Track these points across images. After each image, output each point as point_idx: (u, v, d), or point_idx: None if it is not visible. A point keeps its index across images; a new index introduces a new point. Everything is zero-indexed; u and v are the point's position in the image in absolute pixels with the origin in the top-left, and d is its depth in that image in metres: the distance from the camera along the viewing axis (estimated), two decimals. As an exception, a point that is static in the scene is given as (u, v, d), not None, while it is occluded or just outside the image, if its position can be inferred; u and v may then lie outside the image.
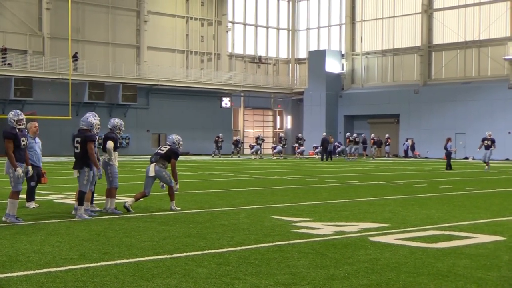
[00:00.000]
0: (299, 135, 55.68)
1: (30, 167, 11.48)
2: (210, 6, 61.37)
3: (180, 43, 59.85)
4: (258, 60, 65.19)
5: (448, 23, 55.02)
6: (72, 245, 8.85)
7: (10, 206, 11.20)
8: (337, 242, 9.24)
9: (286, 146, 54.24)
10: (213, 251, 8.48)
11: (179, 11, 59.60)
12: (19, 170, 11.13)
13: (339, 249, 8.64)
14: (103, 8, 55.15)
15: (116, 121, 13.43)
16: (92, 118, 12.31)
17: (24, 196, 13.47)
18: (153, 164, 13.19)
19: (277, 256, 8.11)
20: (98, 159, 12.44)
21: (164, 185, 13.35)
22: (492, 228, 10.76)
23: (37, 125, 13.76)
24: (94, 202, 13.04)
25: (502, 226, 11.12)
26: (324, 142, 46.65)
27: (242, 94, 63.48)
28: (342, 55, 61.94)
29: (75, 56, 51.19)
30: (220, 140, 51.83)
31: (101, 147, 13.13)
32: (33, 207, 13.35)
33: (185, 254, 8.25)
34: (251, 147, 52.39)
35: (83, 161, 11.90)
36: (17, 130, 11.23)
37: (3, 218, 11.23)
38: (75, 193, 12.72)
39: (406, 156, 53.37)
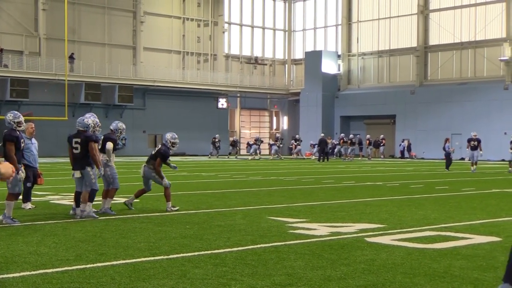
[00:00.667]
0: (296, 136, 55.72)
1: (23, 168, 11.55)
2: (206, 6, 61.37)
3: (176, 43, 59.83)
4: (254, 61, 65.20)
5: (444, 24, 55.09)
6: (69, 246, 8.84)
7: (6, 208, 11.20)
8: (334, 243, 9.24)
9: (282, 145, 54.26)
10: (209, 252, 8.47)
11: (175, 11, 59.59)
12: (21, 174, 11.19)
13: (335, 250, 8.65)
14: (99, 9, 55.11)
15: (120, 124, 13.59)
16: (89, 119, 12.37)
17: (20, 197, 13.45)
18: (143, 166, 13.36)
19: (274, 257, 8.11)
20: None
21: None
22: (488, 229, 10.77)
23: (33, 126, 13.76)
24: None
25: (498, 227, 11.13)
26: (322, 143, 46.67)
27: (238, 95, 63.48)
28: (339, 56, 61.98)
29: (71, 57, 51.13)
30: (217, 140, 51.89)
31: (100, 147, 13.15)
32: (29, 208, 13.34)
33: (181, 255, 8.25)
34: (249, 145, 52.29)
35: (84, 161, 11.95)
36: (17, 132, 11.28)
37: (0, 217, 11.23)
38: (73, 194, 12.70)
39: (402, 156, 53.43)
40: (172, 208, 13.21)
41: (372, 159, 50.00)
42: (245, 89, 61.98)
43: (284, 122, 68.11)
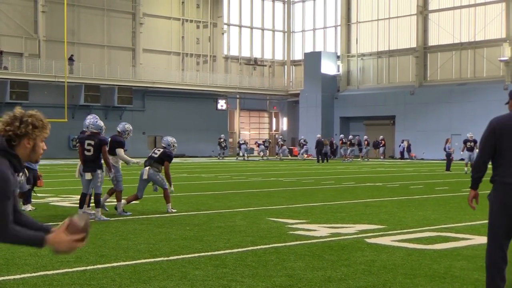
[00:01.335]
0: (302, 138, 55.36)
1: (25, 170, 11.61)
2: (205, 8, 61.37)
3: (175, 45, 59.83)
4: (253, 62, 65.21)
5: (443, 25, 55.10)
6: (69, 248, 8.82)
7: None
8: (334, 244, 9.24)
9: (268, 146, 54.85)
10: (209, 253, 8.48)
11: (174, 13, 59.58)
12: (24, 175, 11.27)
13: (335, 251, 8.65)
14: (99, 11, 55.11)
15: (127, 126, 13.64)
16: (100, 121, 12.44)
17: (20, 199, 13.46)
18: (147, 168, 13.25)
19: (274, 258, 8.11)
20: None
21: (158, 187, 13.40)
22: (488, 229, 10.75)
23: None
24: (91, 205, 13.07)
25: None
26: (319, 144, 46.74)
27: (237, 96, 63.47)
28: (338, 57, 61.98)
29: (70, 59, 51.13)
30: (222, 140, 52.11)
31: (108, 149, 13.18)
32: (29, 210, 13.34)
33: (181, 256, 8.25)
34: (257, 145, 52.73)
35: (96, 164, 11.97)
36: None
37: None
38: (72, 196, 12.70)
39: (402, 157, 53.43)
40: (172, 210, 13.23)
41: (369, 160, 49.88)
42: (245, 90, 61.98)
43: (284, 123, 68.11)
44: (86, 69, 51.98)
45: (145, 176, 13.26)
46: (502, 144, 5.57)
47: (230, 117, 63.86)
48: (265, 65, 66.44)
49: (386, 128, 56.98)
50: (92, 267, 7.53)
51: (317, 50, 63.57)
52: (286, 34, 67.82)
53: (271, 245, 9.11)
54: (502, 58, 50.95)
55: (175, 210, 13.30)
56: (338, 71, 61.79)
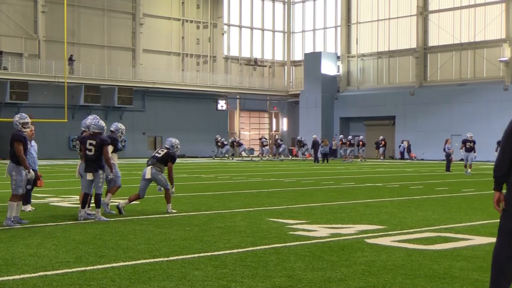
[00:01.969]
0: (302, 138, 55.20)
1: (31, 170, 11.66)
2: (205, 8, 61.39)
3: (175, 45, 59.85)
4: (253, 63, 65.21)
5: (443, 25, 55.10)
6: (69, 248, 8.84)
7: (9, 209, 11.21)
8: (334, 244, 9.24)
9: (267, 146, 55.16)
10: (209, 253, 8.47)
11: (174, 13, 59.60)
12: (32, 172, 11.32)
13: (335, 252, 8.65)
14: (99, 11, 55.13)
15: (120, 125, 13.93)
16: (101, 121, 12.51)
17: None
18: (150, 167, 13.26)
19: (274, 259, 8.11)
20: None
21: (162, 188, 13.41)
22: (488, 230, 10.75)
23: (33, 128, 13.75)
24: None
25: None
26: (315, 145, 46.85)
27: (238, 97, 63.48)
28: (338, 57, 61.98)
29: (70, 59, 51.15)
30: (219, 139, 52.23)
31: None
32: (29, 210, 13.34)
33: (181, 257, 8.25)
34: (278, 145, 53.38)
35: (97, 164, 12.02)
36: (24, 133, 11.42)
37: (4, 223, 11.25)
38: (72, 196, 12.71)
39: (402, 158, 53.42)
40: (172, 210, 13.23)
41: (364, 160, 49.68)
42: (245, 90, 61.99)
43: (284, 124, 68.11)
44: (86, 70, 52.00)
45: (147, 176, 13.22)
46: None
47: (230, 118, 63.87)
48: (265, 66, 66.45)
49: (386, 129, 56.98)
50: (91, 267, 7.53)
51: (317, 50, 63.57)
52: (286, 34, 67.82)
53: (271, 246, 9.11)
54: (502, 59, 50.95)
55: (175, 211, 13.30)
56: (338, 71, 61.79)
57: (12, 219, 11.17)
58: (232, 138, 55.19)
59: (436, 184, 22.82)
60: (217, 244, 9.27)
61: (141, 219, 12.25)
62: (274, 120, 68.47)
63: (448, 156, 32.71)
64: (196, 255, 8.38)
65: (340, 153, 51.08)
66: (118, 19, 56.18)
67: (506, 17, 51.26)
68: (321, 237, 9.91)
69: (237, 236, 10.02)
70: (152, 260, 8.00)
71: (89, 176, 12.07)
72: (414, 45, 56.61)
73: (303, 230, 10.70)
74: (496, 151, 30.66)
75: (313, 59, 61.07)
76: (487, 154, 41.27)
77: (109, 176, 12.67)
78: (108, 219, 12.08)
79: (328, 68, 60.75)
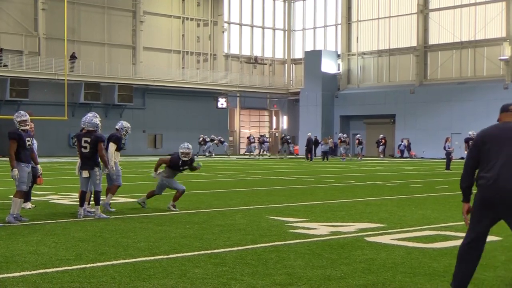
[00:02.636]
0: (287, 136, 56.32)
1: (39, 166, 11.68)
2: (206, 6, 61.36)
3: (176, 43, 59.82)
4: (254, 61, 65.17)
5: (444, 24, 55.08)
6: (69, 246, 8.84)
7: (12, 205, 11.26)
8: (334, 243, 9.24)
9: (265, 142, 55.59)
10: (209, 251, 8.48)
11: (175, 11, 59.57)
12: (15, 171, 11.21)
13: (335, 250, 8.65)
14: (99, 9, 55.10)
15: (125, 123, 13.90)
16: (96, 118, 12.42)
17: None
18: (158, 173, 13.77)
19: (274, 257, 8.11)
20: None
21: (177, 187, 13.56)
22: (488, 228, 10.75)
23: (33, 126, 13.75)
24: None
25: (498, 226, 11.07)
26: (309, 143, 46.98)
27: (238, 95, 63.44)
28: (338, 56, 61.95)
29: (73, 56, 51.15)
30: (201, 139, 52.69)
31: (105, 146, 13.24)
32: (29, 208, 13.34)
33: (181, 254, 8.25)
34: (288, 142, 54.38)
35: (93, 161, 12.02)
36: (21, 130, 11.37)
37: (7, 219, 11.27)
38: (72, 193, 12.71)
39: (402, 156, 53.42)
40: (172, 208, 13.24)
41: (361, 158, 49.63)
42: (245, 88, 61.96)
43: (284, 122, 68.08)
44: (86, 67, 51.97)
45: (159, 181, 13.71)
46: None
47: (230, 116, 63.84)
48: (266, 64, 66.42)
49: (386, 127, 56.97)
50: (91, 265, 7.53)
51: (317, 48, 63.56)
52: (286, 32, 67.79)
53: (271, 244, 9.11)
54: (502, 57, 50.94)
55: (177, 210, 13.30)
56: (339, 69, 61.76)
57: (15, 216, 11.19)
58: (213, 136, 55.12)
59: (436, 182, 22.82)
60: (217, 242, 9.27)
61: (141, 216, 12.26)
62: (274, 118, 68.44)
63: (448, 155, 32.71)
64: (196, 252, 8.38)
65: (340, 151, 51.04)
66: (118, 17, 56.15)
67: (507, 16, 51.24)
68: (321, 235, 9.91)
69: (237, 234, 10.03)
70: (152, 257, 8.01)
71: (85, 174, 12.07)
72: (414, 44, 56.59)
73: (303, 228, 10.70)
74: (466, 150, 30.68)
75: (313, 57, 61.05)
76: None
77: (105, 171, 12.57)
78: (108, 216, 12.09)
79: (329, 66, 60.73)
